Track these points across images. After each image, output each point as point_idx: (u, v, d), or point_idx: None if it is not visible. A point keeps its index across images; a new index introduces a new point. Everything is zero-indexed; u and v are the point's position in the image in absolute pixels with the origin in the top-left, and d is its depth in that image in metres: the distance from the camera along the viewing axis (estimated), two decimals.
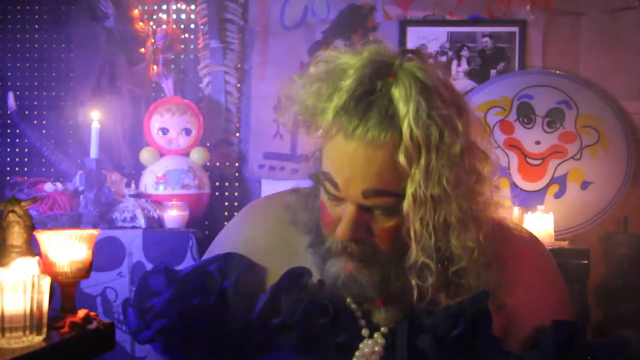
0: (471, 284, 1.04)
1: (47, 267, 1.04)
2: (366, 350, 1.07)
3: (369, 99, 0.99)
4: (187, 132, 2.87)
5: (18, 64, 3.09)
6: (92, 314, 1.05)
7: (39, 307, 0.92)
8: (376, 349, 1.07)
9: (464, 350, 1.02)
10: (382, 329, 1.09)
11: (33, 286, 0.91)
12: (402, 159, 0.97)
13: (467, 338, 1.02)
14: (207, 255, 1.23)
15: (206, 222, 2.98)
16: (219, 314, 1.10)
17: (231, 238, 1.24)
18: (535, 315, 1.09)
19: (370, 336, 1.09)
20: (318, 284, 1.10)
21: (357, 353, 1.07)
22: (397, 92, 0.98)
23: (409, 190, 0.98)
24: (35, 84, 3.10)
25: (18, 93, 3.01)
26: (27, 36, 3.11)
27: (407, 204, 0.99)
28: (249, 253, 1.17)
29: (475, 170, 1.04)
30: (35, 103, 3.10)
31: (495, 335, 1.03)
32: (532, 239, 1.20)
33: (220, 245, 1.24)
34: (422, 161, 0.97)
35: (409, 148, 0.96)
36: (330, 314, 1.07)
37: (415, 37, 2.97)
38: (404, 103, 0.96)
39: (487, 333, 1.02)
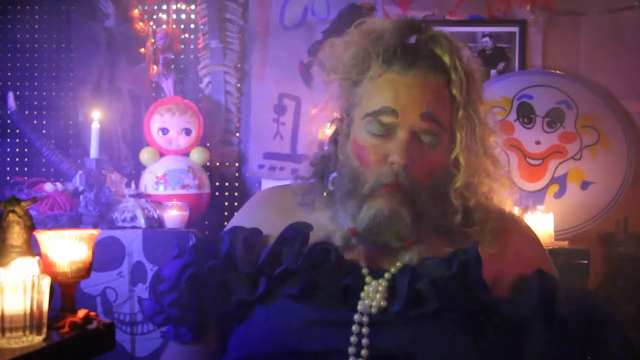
0: (492, 208, 1.23)
1: (47, 267, 1.04)
2: (371, 290, 1.13)
3: (413, 51, 1.19)
4: (187, 132, 2.87)
5: (18, 64, 3.08)
6: (92, 314, 1.05)
7: (39, 307, 0.92)
8: (380, 289, 1.13)
9: (457, 291, 1.11)
10: (386, 274, 1.15)
11: (33, 286, 0.91)
12: (455, 90, 1.18)
13: (460, 280, 1.11)
14: None
15: (206, 222, 2.98)
16: (228, 274, 1.18)
17: (242, 220, 1.30)
18: (523, 269, 1.19)
19: (375, 279, 1.14)
20: (349, 232, 1.17)
21: (362, 294, 1.12)
22: (438, 47, 1.19)
23: (460, 114, 1.18)
24: (35, 84, 3.09)
25: (18, 93, 3.01)
26: (27, 36, 3.10)
27: (459, 130, 1.18)
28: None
29: (485, 117, 1.25)
30: (35, 103, 3.10)
31: (485, 281, 1.14)
32: (519, 218, 1.37)
33: (232, 225, 1.30)
34: (465, 96, 1.18)
35: (458, 84, 1.18)
36: (332, 258, 1.14)
37: None
38: (449, 56, 1.19)
39: (477, 276, 1.12)
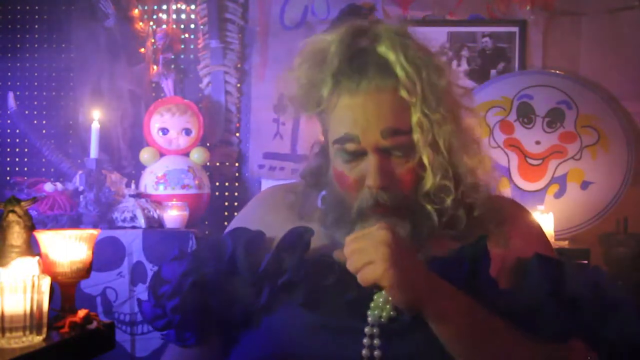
0: (479, 199, 1.18)
1: (47, 267, 1.04)
2: (381, 300, 1.08)
3: (360, 58, 1.14)
4: (187, 132, 2.87)
5: (18, 64, 3.09)
6: (92, 314, 1.05)
7: (39, 307, 0.92)
8: (390, 299, 1.07)
9: (466, 292, 1.08)
10: None
11: (33, 286, 0.91)
12: (404, 93, 1.11)
13: (468, 279, 1.09)
14: None
15: (206, 222, 2.98)
16: (230, 280, 1.16)
17: (244, 221, 1.29)
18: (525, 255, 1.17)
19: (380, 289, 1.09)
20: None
21: (371, 305, 1.08)
22: (383, 46, 1.13)
23: (414, 119, 1.11)
24: (35, 84, 3.09)
25: (18, 93, 3.01)
26: (27, 36, 3.10)
27: (416, 133, 1.11)
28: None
29: (459, 102, 1.20)
30: (35, 103, 3.10)
31: (492, 275, 1.11)
32: (519, 205, 1.32)
33: (233, 227, 1.28)
34: (419, 93, 1.11)
35: (407, 84, 1.11)
36: (335, 272, 1.12)
37: None
38: (393, 52, 1.12)
39: (486, 273, 1.10)
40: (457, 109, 1.18)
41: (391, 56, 1.12)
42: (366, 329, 1.08)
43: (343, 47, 1.14)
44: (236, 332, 1.19)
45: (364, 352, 1.07)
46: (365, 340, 1.08)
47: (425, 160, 1.12)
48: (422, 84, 1.11)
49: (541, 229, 1.29)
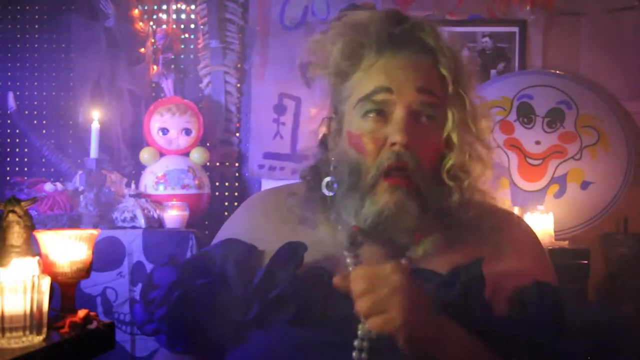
0: (476, 201, 1.17)
1: (47, 267, 1.04)
2: None
3: (400, 37, 1.17)
4: (187, 132, 2.87)
5: (18, 64, 3.09)
6: (92, 314, 1.05)
7: (39, 307, 0.92)
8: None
9: (458, 314, 1.06)
10: None
11: (33, 286, 0.91)
12: (443, 70, 1.16)
13: (461, 302, 1.06)
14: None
15: (206, 222, 2.97)
16: (219, 294, 1.13)
17: (234, 228, 1.27)
18: (521, 279, 1.14)
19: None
20: (353, 230, 1.14)
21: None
22: (424, 32, 1.18)
23: (450, 89, 1.15)
24: (35, 84, 3.09)
25: (18, 93, 3.01)
26: (27, 36, 3.10)
27: (450, 106, 1.15)
28: (251, 241, 1.20)
29: (477, 109, 1.21)
30: (35, 103, 3.10)
31: (487, 299, 1.08)
32: (514, 214, 1.33)
33: (223, 235, 1.27)
34: (454, 74, 1.17)
35: (446, 65, 1.16)
36: (325, 286, 1.09)
37: None
38: (434, 38, 1.18)
39: (480, 297, 1.08)
40: (476, 112, 1.20)
41: (432, 42, 1.17)
42: (356, 342, 1.06)
43: (386, 24, 1.18)
44: (226, 344, 1.18)
45: None
46: (354, 354, 1.06)
47: (455, 138, 1.15)
48: (458, 70, 1.17)
49: (537, 243, 1.26)
